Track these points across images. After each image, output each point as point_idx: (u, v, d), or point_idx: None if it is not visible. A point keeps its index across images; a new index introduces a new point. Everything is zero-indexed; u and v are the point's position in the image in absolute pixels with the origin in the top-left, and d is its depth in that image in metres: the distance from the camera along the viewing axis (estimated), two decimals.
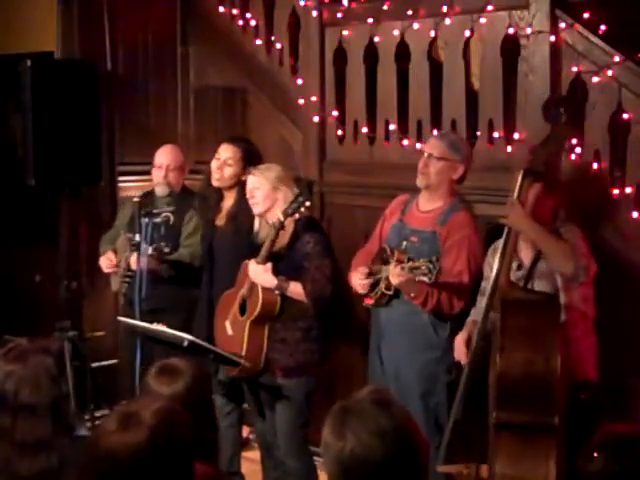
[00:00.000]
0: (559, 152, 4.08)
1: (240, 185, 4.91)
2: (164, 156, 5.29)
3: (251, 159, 4.94)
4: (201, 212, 5.12)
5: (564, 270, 3.90)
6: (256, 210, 4.58)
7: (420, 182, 4.41)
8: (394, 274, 4.14)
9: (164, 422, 2.04)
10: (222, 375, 4.79)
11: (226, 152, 4.96)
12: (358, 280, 4.41)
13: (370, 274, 4.39)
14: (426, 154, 4.39)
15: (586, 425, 3.47)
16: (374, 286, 4.39)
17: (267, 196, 4.52)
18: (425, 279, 3.97)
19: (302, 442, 4.57)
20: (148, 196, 5.28)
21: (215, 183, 4.97)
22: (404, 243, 4.39)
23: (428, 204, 4.43)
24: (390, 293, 4.34)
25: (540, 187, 3.98)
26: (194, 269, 5.09)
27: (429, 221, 4.38)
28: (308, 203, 4.40)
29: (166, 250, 4.92)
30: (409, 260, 4.20)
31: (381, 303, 4.41)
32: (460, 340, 4.16)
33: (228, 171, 4.94)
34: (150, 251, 4.86)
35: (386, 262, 4.33)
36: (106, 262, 5.26)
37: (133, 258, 4.99)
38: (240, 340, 4.48)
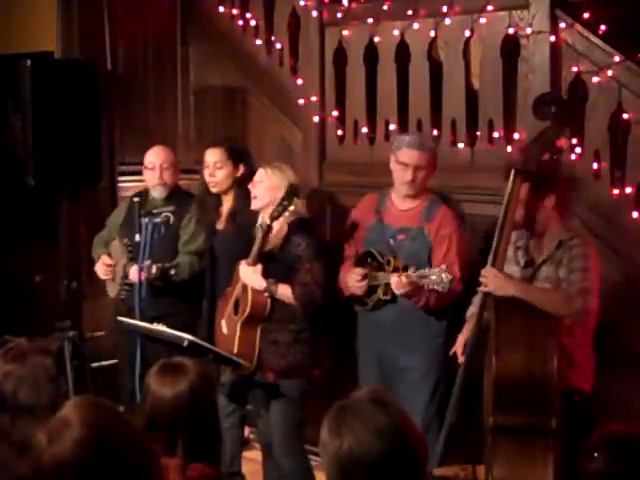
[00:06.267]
0: (549, 151, 4.05)
1: (236, 184, 4.92)
2: (155, 156, 5.24)
3: (238, 155, 4.97)
4: (201, 219, 5.10)
5: (563, 316, 3.82)
6: (254, 204, 4.59)
7: (408, 191, 4.49)
8: (398, 286, 4.22)
9: (94, 431, 1.95)
10: (224, 376, 4.78)
11: (212, 156, 4.96)
12: (355, 282, 4.49)
13: (365, 277, 4.46)
14: (411, 167, 4.42)
15: (580, 427, 3.46)
16: (370, 292, 4.47)
17: (267, 192, 4.52)
18: (439, 289, 4.07)
19: (297, 442, 4.57)
20: (142, 197, 5.24)
21: (213, 190, 4.97)
22: (390, 241, 4.47)
23: (407, 203, 4.55)
24: (388, 298, 4.42)
25: (528, 187, 3.94)
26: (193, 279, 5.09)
27: (412, 218, 4.51)
28: (292, 207, 4.39)
29: (172, 273, 4.90)
30: (405, 267, 4.30)
31: (377, 308, 4.50)
32: (461, 338, 4.16)
33: (220, 174, 4.94)
34: (154, 270, 4.84)
35: (380, 268, 4.41)
36: (102, 269, 5.24)
37: (133, 269, 4.95)
38: (232, 339, 4.50)
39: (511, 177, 3.90)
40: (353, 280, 4.50)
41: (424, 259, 4.41)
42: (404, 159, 4.46)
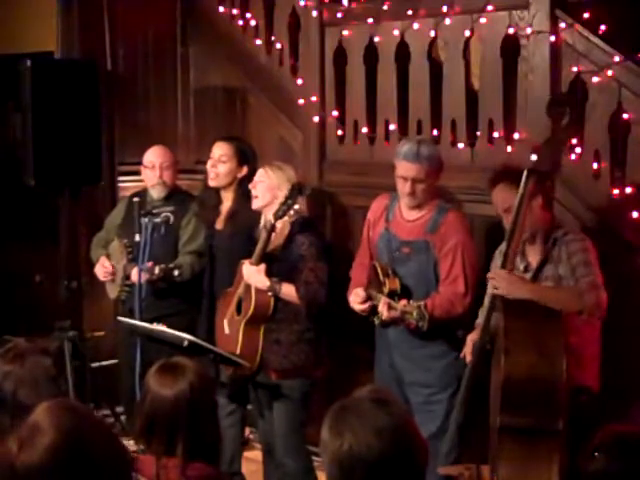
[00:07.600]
0: (562, 151, 4.05)
1: (237, 184, 4.92)
2: (155, 155, 5.25)
3: (245, 156, 4.97)
4: (200, 216, 5.10)
5: (576, 313, 3.83)
6: (254, 204, 4.59)
7: (410, 203, 4.37)
8: (384, 314, 4.15)
9: (67, 435, 1.92)
10: (224, 375, 4.79)
11: (219, 150, 4.98)
12: (356, 305, 4.38)
13: (368, 298, 4.34)
14: (408, 180, 4.29)
15: (586, 427, 3.45)
16: (373, 310, 4.34)
17: (268, 191, 4.52)
18: (419, 325, 4.02)
19: (300, 442, 4.57)
20: (141, 197, 5.23)
21: (211, 183, 4.98)
22: (396, 254, 4.38)
23: (413, 213, 4.41)
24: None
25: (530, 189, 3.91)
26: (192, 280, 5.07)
27: (417, 230, 4.38)
28: (297, 206, 4.38)
29: (175, 274, 4.88)
30: (402, 286, 4.25)
31: (383, 326, 4.37)
32: (470, 340, 4.13)
33: (222, 168, 4.94)
34: (157, 270, 4.83)
35: (380, 289, 4.30)
36: (102, 271, 5.23)
37: (134, 272, 4.94)
38: (235, 339, 4.50)
39: (524, 177, 3.85)
40: (354, 302, 4.38)
41: (430, 277, 4.33)
42: (400, 172, 4.33)
